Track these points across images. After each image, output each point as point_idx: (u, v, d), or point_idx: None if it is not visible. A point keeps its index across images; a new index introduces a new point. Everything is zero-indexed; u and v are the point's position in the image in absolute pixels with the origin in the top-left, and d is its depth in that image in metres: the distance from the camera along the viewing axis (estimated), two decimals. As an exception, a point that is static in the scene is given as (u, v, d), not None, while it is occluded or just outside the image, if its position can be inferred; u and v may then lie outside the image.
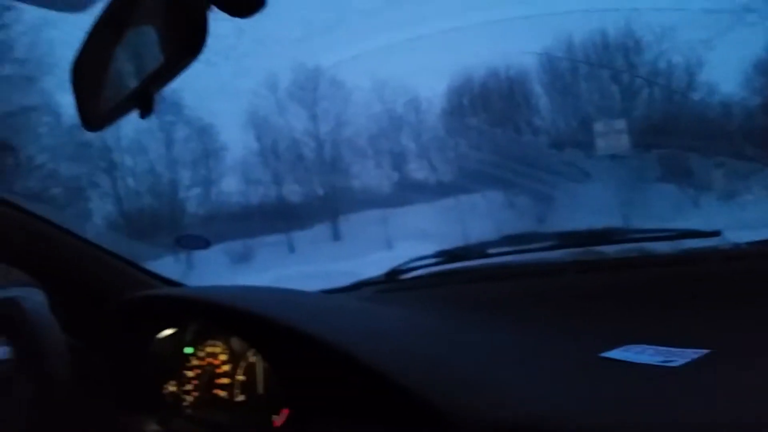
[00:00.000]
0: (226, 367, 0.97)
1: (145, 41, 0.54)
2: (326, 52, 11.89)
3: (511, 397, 0.58)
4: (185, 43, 0.48)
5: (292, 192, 12.11)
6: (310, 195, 11.72)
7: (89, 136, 10.24)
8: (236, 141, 12.79)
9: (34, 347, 0.68)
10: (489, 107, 9.58)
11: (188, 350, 1.06)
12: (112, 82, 0.58)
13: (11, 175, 7.70)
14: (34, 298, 0.78)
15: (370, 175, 11.42)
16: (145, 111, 0.56)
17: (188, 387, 1.03)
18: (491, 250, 1.14)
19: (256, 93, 12.44)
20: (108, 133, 11.07)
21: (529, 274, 1.08)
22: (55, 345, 0.69)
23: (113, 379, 1.02)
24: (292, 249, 10.55)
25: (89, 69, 0.59)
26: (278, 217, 11.21)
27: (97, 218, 10.09)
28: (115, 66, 0.57)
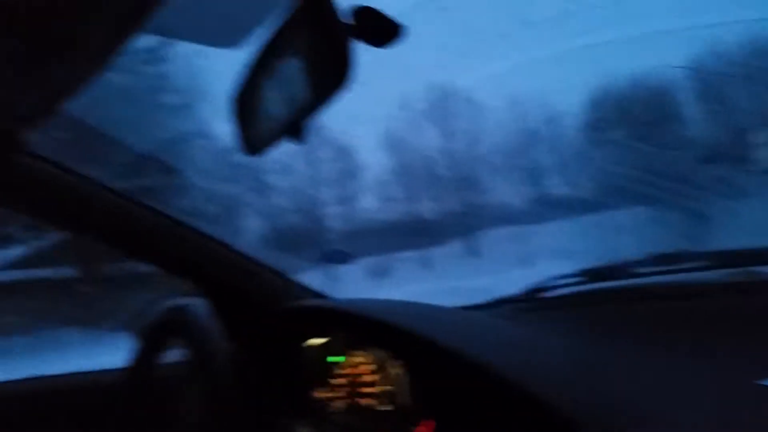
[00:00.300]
0: (370, 377, 1.01)
1: (296, 74, 0.59)
2: (461, 74, 11.94)
3: (656, 419, 0.56)
4: (332, 76, 0.52)
5: (429, 209, 12.27)
6: (447, 212, 11.78)
7: (241, 158, 11.09)
8: (374, 160, 13.23)
9: (205, 352, 0.75)
10: (633, 120, 9.05)
11: (335, 359, 1.11)
12: (267, 112, 0.64)
13: (173, 195, 8.56)
14: (201, 306, 0.87)
15: (507, 191, 11.24)
16: (297, 139, 0.61)
17: (334, 394, 1.08)
18: (638, 270, 1.09)
19: (393, 116, 12.83)
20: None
21: (679, 296, 1.01)
22: (221, 350, 0.76)
23: (266, 385, 1.09)
24: (428, 264, 10.65)
25: (247, 100, 0.66)
26: (415, 233, 11.38)
27: (249, 234, 10.89)
28: (269, 97, 0.63)
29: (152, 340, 0.97)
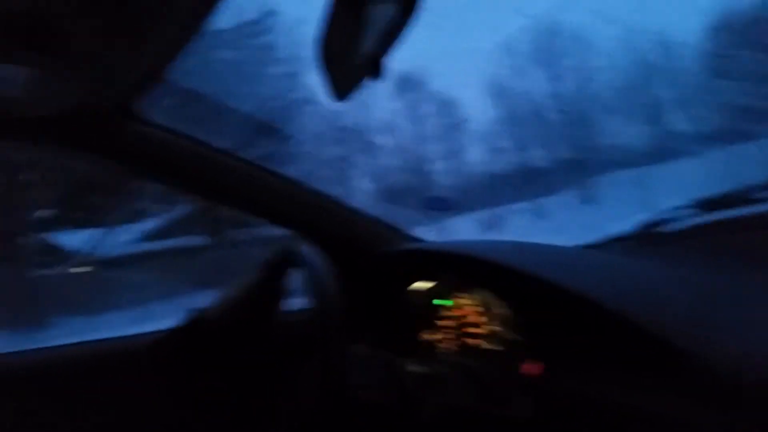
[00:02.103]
0: (476, 318, 1.01)
1: (373, 11, 0.59)
2: (568, 9, 11.25)
3: None
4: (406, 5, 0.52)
5: (540, 157, 11.86)
6: (560, 159, 11.33)
7: (347, 120, 11.31)
8: (478, 111, 12.96)
9: (325, 297, 0.78)
10: (759, 46, 8.08)
11: (440, 302, 1.12)
12: (350, 53, 0.65)
13: (286, 160, 8.92)
14: (314, 250, 0.90)
15: (624, 131, 10.57)
16: (376, 75, 0.62)
17: (441, 336, 1.09)
18: (754, 196, 0.99)
19: (497, 62, 12.42)
20: (362, 116, 12.08)
21: None
22: (336, 295, 0.79)
23: (373, 326, 1.12)
24: (540, 215, 10.36)
25: (329, 44, 0.67)
26: (527, 183, 11.09)
27: (358, 194, 11.15)
28: (348, 37, 0.63)
29: (271, 273, 1.03)
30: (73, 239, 8.19)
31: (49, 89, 0.86)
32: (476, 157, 13.14)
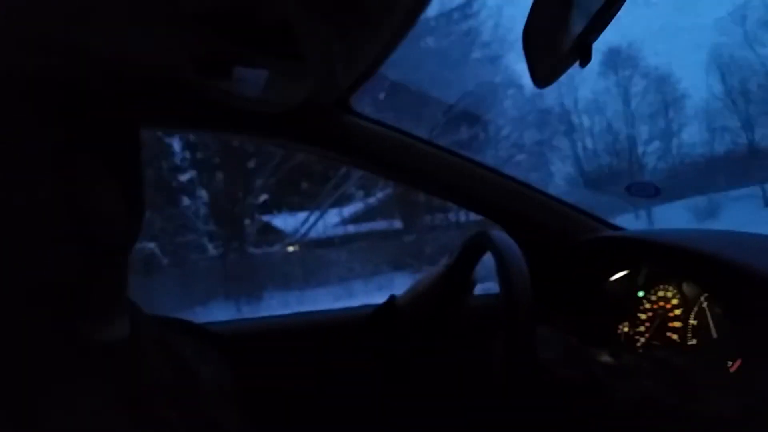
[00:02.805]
0: (677, 311, 0.96)
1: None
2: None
3: None
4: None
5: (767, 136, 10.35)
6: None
7: (549, 102, 10.95)
8: (698, 86, 11.66)
9: (515, 282, 0.79)
10: None
11: (640, 293, 1.07)
12: (556, 38, 0.65)
13: (484, 146, 8.92)
14: (506, 235, 0.92)
15: None
16: (584, 60, 0.61)
17: (640, 329, 1.05)
18: None
19: (721, 29, 11.06)
20: (566, 97, 11.61)
21: None
22: (527, 280, 0.80)
23: (569, 315, 1.11)
24: (767, 202, 9.07)
25: (535, 30, 0.68)
26: (750, 167, 9.77)
27: (558, 179, 10.76)
28: (555, 20, 0.64)
29: (464, 258, 1.07)
30: (288, 221, 9.09)
31: (281, 89, 0.99)
32: (693, 137, 11.84)
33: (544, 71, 0.71)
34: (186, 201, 8.64)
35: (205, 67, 0.87)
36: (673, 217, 8.35)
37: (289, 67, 0.88)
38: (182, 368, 0.71)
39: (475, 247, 1.04)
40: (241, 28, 0.79)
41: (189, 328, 0.89)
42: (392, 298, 1.12)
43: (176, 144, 8.45)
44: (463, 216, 8.00)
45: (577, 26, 0.60)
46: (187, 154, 8.56)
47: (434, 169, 1.32)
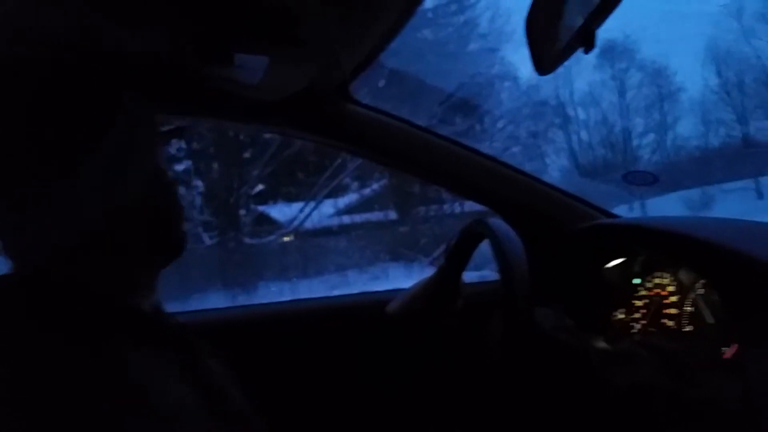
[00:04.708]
0: (673, 298, 0.97)
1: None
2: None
3: None
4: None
5: (762, 129, 10.37)
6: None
7: (544, 94, 10.93)
8: (694, 79, 11.67)
9: (512, 268, 0.80)
10: None
11: (636, 281, 1.08)
12: (560, 26, 0.65)
13: (479, 137, 8.91)
14: (503, 222, 0.92)
15: None
16: (588, 47, 0.62)
17: (636, 315, 1.06)
18: None
19: (717, 23, 11.05)
20: (562, 90, 11.59)
21: None
22: (524, 266, 0.80)
23: (565, 302, 1.12)
24: (761, 195, 9.11)
25: (539, 18, 0.68)
26: (743, 160, 9.80)
27: (552, 171, 10.77)
28: (562, 10, 0.64)
29: (462, 244, 1.07)
30: (283, 212, 9.07)
31: (282, 75, 0.99)
32: (688, 130, 11.84)
33: (547, 59, 0.71)
34: (181, 191, 8.61)
35: (206, 53, 0.87)
36: (667, 209, 8.38)
37: (291, 53, 0.88)
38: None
39: (472, 234, 1.04)
40: (242, 13, 0.79)
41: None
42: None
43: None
44: (457, 207, 8.01)
45: (581, 13, 0.60)
46: (183, 144, 8.52)
47: (433, 158, 1.33)
